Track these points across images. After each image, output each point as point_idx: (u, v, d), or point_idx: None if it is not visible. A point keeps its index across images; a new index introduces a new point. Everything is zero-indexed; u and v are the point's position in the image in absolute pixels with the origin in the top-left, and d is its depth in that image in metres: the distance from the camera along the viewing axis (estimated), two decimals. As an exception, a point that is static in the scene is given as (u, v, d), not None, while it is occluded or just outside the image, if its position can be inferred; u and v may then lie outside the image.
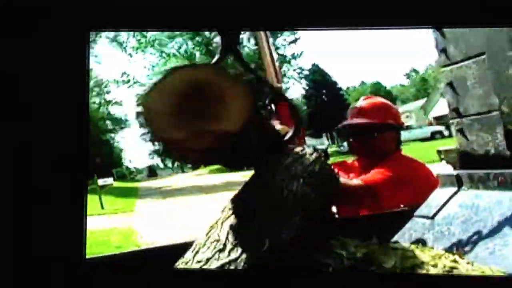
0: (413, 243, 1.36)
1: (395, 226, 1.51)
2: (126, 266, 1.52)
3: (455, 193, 1.48)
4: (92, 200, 9.68)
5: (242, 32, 1.79)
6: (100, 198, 10.24)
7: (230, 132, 1.24)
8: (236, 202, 1.26)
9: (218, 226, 1.19)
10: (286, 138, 1.43)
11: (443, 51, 1.81)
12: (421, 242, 1.36)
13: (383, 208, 1.72)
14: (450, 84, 1.75)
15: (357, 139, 2.05)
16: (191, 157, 1.32)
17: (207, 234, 1.19)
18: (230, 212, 1.21)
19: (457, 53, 1.74)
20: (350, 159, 2.17)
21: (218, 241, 1.13)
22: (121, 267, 1.51)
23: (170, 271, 1.25)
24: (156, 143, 1.27)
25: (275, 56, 2.00)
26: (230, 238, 1.13)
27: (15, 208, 1.42)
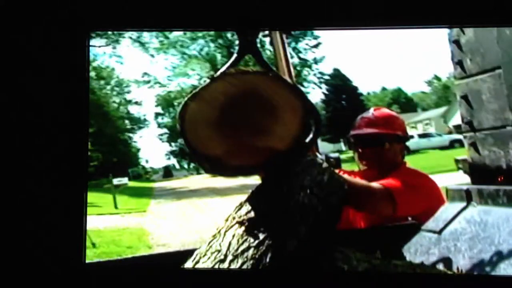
0: (439, 261, 1.36)
1: (400, 239, 1.51)
2: (126, 270, 1.53)
3: (464, 208, 1.47)
4: (106, 199, 9.80)
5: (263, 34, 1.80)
6: (114, 198, 10.32)
7: (277, 150, 1.19)
8: (241, 211, 1.26)
9: (220, 236, 1.19)
10: (307, 140, 1.40)
11: (459, 63, 1.81)
12: (446, 261, 1.35)
13: (396, 215, 1.71)
14: (464, 97, 1.75)
15: (366, 149, 2.05)
16: (227, 173, 1.30)
17: (208, 243, 1.19)
18: (234, 221, 1.21)
19: (473, 66, 1.73)
20: (355, 168, 2.17)
21: (219, 251, 1.14)
22: (121, 271, 1.52)
23: (169, 272, 1.26)
24: (173, 144, 1.24)
25: (291, 60, 1.99)
26: (232, 249, 1.13)
27: (14, 210, 1.45)
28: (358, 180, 1.71)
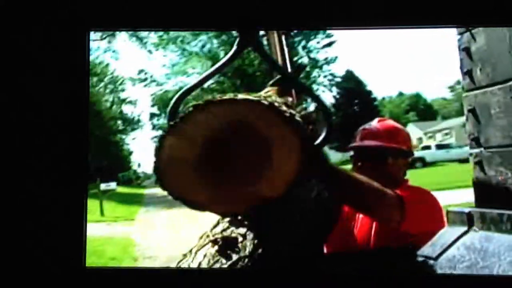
0: None
1: (395, 264, 1.51)
2: (126, 274, 1.56)
3: (464, 233, 1.46)
4: (92, 205, 9.80)
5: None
6: (101, 204, 10.34)
7: (267, 198, 1.11)
8: (216, 229, 1.26)
9: (191, 255, 1.19)
10: (317, 142, 1.36)
11: (467, 73, 1.80)
12: None
13: (400, 228, 1.70)
14: (472, 111, 1.74)
15: (366, 163, 2.03)
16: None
17: (178, 263, 1.20)
18: (207, 240, 1.21)
19: (483, 77, 1.73)
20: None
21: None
22: (121, 274, 1.55)
23: (169, 273, 1.28)
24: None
25: (287, 58, 1.98)
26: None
27: (14, 210, 1.48)
28: (369, 180, 1.64)
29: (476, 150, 1.69)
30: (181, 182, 1.11)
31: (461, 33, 1.86)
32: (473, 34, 1.79)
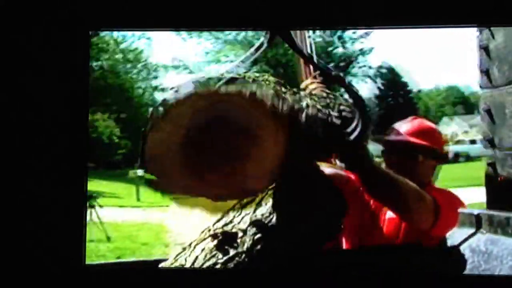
0: None
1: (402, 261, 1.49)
2: (126, 272, 1.58)
3: (472, 235, 1.44)
4: (129, 190, 9.94)
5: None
6: (137, 189, 10.42)
7: (255, 191, 1.14)
8: (219, 223, 1.26)
9: (190, 249, 1.20)
10: (351, 137, 1.37)
11: (485, 72, 1.76)
12: None
13: (430, 232, 1.68)
14: (488, 111, 1.70)
15: (396, 159, 1.99)
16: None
17: (175, 257, 1.21)
18: (208, 234, 1.22)
19: (500, 76, 1.69)
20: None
21: (182, 266, 1.16)
22: (121, 272, 1.56)
23: (168, 273, 1.29)
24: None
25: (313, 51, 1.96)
26: (196, 264, 1.15)
27: (14, 210, 1.52)
28: (409, 182, 1.58)
29: (490, 151, 1.66)
30: (168, 176, 1.13)
31: (480, 30, 1.81)
32: (492, 32, 1.75)
